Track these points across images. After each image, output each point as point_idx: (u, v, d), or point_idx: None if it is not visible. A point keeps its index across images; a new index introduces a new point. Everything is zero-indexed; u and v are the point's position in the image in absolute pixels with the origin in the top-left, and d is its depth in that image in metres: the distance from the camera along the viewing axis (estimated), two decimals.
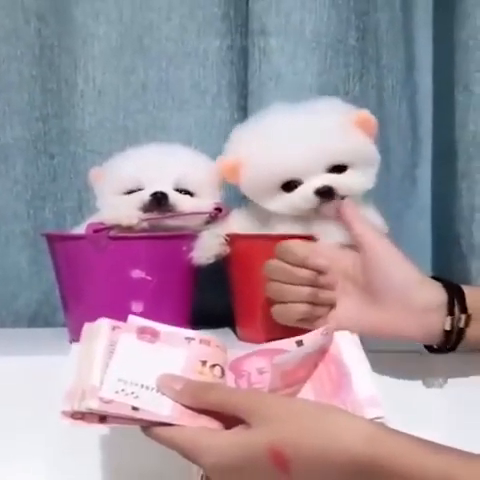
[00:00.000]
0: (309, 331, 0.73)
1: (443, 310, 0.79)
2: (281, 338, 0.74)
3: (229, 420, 0.64)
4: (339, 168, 0.92)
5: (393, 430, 0.61)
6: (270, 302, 0.84)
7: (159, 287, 0.94)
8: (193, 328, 0.78)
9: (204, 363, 0.70)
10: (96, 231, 0.91)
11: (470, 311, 0.80)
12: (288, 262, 0.82)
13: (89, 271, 0.94)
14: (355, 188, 0.92)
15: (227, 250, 0.96)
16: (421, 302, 0.79)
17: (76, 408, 0.63)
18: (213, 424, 0.65)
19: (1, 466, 0.87)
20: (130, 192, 0.97)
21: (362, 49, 1.12)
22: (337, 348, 0.72)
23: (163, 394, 0.66)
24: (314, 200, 0.91)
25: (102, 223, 0.93)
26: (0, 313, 1.15)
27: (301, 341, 0.71)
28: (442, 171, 1.19)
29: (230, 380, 0.71)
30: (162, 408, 0.65)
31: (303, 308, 0.81)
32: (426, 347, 0.86)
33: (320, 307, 0.82)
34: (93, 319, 0.93)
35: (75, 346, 0.70)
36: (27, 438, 0.88)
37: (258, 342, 0.79)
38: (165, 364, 0.68)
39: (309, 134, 0.91)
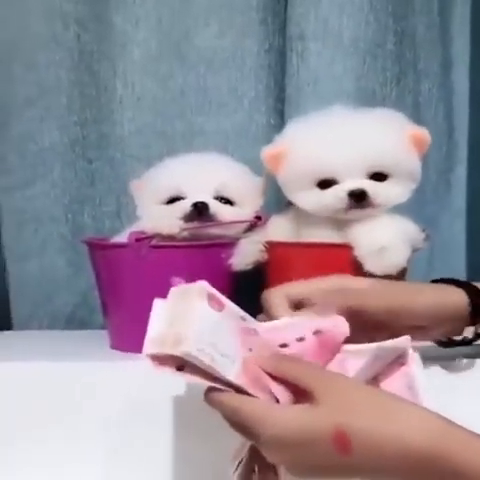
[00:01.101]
0: None
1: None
2: None
3: (297, 395, 0.64)
4: (380, 176, 0.92)
5: (461, 427, 0.60)
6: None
7: None
8: None
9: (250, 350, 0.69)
10: (138, 240, 0.92)
11: None
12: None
13: (130, 278, 0.95)
14: (389, 199, 0.93)
15: (265, 257, 0.97)
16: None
17: (168, 351, 0.64)
18: (280, 397, 0.64)
19: (37, 472, 0.87)
20: (171, 201, 0.98)
21: (400, 53, 1.12)
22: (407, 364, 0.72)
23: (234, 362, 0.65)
24: (346, 201, 0.91)
25: (143, 232, 0.94)
26: (37, 314, 1.16)
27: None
28: (477, 175, 1.19)
29: None
30: (232, 374, 0.65)
31: None
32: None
33: None
34: (133, 326, 0.93)
35: (158, 301, 0.71)
36: (59, 448, 0.88)
37: None
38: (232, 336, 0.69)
39: (357, 137, 0.92)
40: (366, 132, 0.92)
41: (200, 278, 0.94)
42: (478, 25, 1.18)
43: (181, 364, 0.64)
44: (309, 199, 0.94)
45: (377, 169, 0.92)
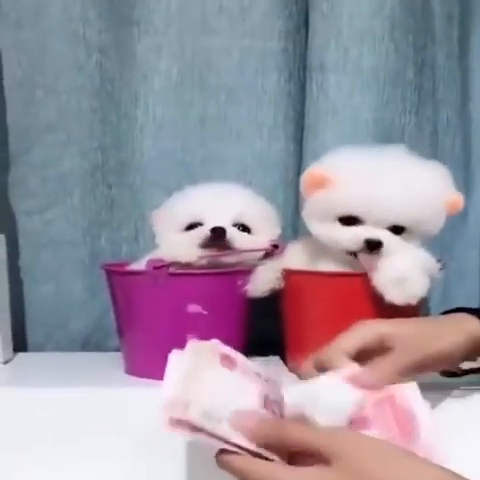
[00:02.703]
0: None
1: None
2: None
3: (302, 457, 0.64)
4: (398, 228, 0.93)
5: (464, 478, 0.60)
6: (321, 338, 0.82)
7: (214, 320, 0.95)
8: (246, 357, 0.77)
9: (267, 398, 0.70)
10: (156, 268, 0.93)
11: None
12: None
13: (146, 305, 0.95)
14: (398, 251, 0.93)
15: (282, 284, 0.97)
16: None
17: (179, 416, 0.64)
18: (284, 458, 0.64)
19: None
20: (189, 228, 0.98)
21: (419, 83, 1.12)
22: (404, 398, 0.72)
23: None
24: (360, 246, 0.92)
25: (161, 260, 0.94)
26: (54, 335, 1.17)
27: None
28: None
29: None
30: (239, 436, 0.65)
31: None
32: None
33: None
34: (149, 352, 0.95)
35: (174, 356, 0.71)
36: (71, 474, 0.88)
37: None
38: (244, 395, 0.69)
39: (396, 190, 0.91)
40: (406, 187, 0.91)
41: (216, 305, 0.96)
42: None
43: (196, 426, 0.64)
44: (326, 231, 0.95)
45: (400, 224, 0.92)
